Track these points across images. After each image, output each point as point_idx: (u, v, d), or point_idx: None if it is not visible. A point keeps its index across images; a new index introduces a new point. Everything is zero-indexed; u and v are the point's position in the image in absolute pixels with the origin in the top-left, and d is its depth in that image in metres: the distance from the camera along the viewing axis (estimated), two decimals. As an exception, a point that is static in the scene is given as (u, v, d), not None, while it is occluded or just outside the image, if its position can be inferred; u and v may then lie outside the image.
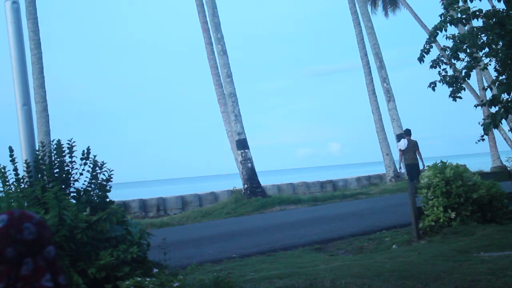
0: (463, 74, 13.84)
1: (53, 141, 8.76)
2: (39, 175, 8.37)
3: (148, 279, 7.55)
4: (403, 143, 24.43)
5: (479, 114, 38.72)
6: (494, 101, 12.81)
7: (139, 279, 7.47)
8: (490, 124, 12.71)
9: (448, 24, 13.58)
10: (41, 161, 8.46)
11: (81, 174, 8.65)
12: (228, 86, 29.21)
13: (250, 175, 28.56)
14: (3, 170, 8.16)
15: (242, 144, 28.83)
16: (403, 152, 24.33)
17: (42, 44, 25.59)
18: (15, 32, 8.81)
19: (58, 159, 8.53)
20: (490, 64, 14.49)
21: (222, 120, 30.97)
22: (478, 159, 61.37)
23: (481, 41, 13.27)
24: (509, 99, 12.80)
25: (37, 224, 2.58)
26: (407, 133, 24.79)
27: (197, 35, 32.19)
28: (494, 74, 14.62)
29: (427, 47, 14.09)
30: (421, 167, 23.38)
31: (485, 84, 32.77)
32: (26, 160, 8.43)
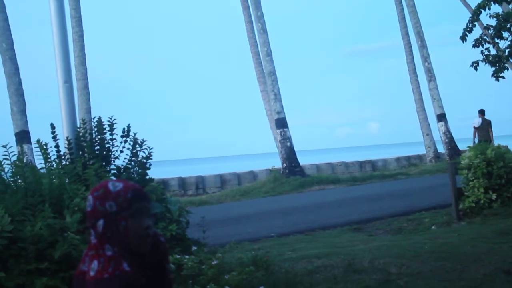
0: (506, 53, 13.65)
1: (94, 118, 8.84)
2: (80, 152, 8.45)
3: (187, 256, 7.60)
4: (477, 121, 26.32)
5: (522, 95, 38.23)
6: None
7: (178, 256, 7.52)
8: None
9: (492, 2, 13.38)
10: (82, 138, 8.54)
11: (121, 151, 8.72)
12: (268, 64, 29.14)
13: (289, 154, 28.54)
14: (45, 147, 8.25)
15: (281, 123, 28.79)
16: (476, 129, 26.29)
17: (83, 22, 25.75)
18: (57, 10, 8.87)
19: (99, 137, 8.61)
20: (534, 43, 14.25)
21: (261, 99, 30.92)
22: (520, 140, 60.51)
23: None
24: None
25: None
26: (482, 112, 26.53)
27: (237, 13, 32.02)
28: (538, 53, 14.37)
29: (470, 26, 13.92)
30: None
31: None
32: (67, 137, 8.52)
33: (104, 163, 8.50)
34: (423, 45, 36.13)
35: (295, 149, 29.18)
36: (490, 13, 13.71)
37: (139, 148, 8.68)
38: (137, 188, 2.75)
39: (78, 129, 8.65)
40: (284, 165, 28.39)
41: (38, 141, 8.35)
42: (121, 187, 2.72)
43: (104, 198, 2.69)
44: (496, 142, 14.58)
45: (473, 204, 13.42)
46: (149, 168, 8.73)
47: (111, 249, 2.67)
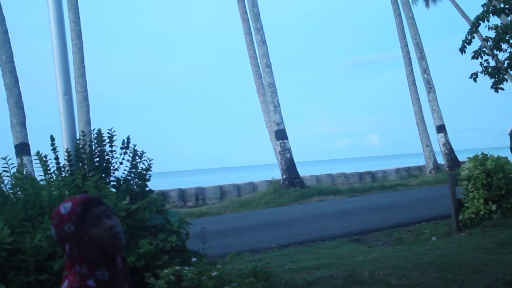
0: (505, 65, 13.67)
1: (93, 130, 8.85)
2: (80, 164, 8.46)
3: (186, 268, 7.59)
4: (510, 128, 26.84)
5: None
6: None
7: (178, 268, 7.52)
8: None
9: (491, 14, 13.42)
10: (81, 150, 8.54)
11: (121, 163, 8.73)
12: (267, 76, 29.18)
13: (289, 166, 28.54)
14: (44, 159, 8.25)
15: (281, 135, 28.81)
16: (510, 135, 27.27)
17: (83, 34, 25.79)
18: (57, 22, 8.90)
19: (99, 148, 8.62)
20: (533, 55, 14.26)
21: (261, 111, 30.95)
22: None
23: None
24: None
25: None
26: None
27: (236, 25, 32.08)
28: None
29: (469, 38, 13.95)
30: None
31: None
32: (67, 149, 8.53)
33: (103, 175, 8.51)
34: (422, 57, 36.24)
35: (295, 160, 29.20)
36: (489, 25, 13.74)
37: (138, 160, 8.69)
38: (85, 199, 2.75)
39: (78, 141, 8.66)
40: (284, 176, 28.39)
41: (37, 153, 8.36)
42: (70, 206, 2.72)
43: (61, 224, 2.70)
44: (496, 153, 14.55)
45: (473, 215, 13.42)
46: (148, 180, 8.73)
47: (79, 268, 2.72)
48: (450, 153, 35.12)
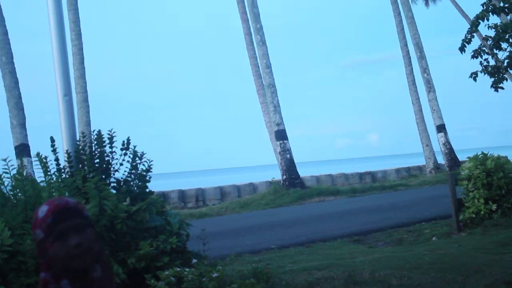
0: (505, 64, 13.66)
1: (93, 131, 8.83)
2: (80, 165, 8.44)
3: (187, 269, 7.58)
4: None
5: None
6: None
7: (178, 269, 7.51)
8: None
9: (490, 13, 13.41)
10: (81, 151, 8.53)
11: (121, 164, 8.72)
12: (267, 76, 29.16)
13: (289, 166, 28.53)
14: (44, 160, 8.24)
15: (281, 135, 28.80)
16: None
17: (82, 35, 25.77)
18: (56, 23, 8.88)
19: (99, 150, 8.60)
20: (533, 54, 14.25)
21: (261, 111, 30.94)
22: (520, 150, 60.43)
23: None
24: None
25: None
26: None
27: (236, 25, 32.12)
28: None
29: (469, 37, 13.95)
30: None
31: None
32: (67, 150, 8.51)
33: (104, 176, 8.50)
34: (422, 56, 36.24)
35: (295, 160, 29.19)
36: (488, 24, 13.74)
37: (139, 161, 8.68)
38: (58, 210, 2.61)
39: (78, 142, 8.65)
40: (284, 177, 28.37)
41: (38, 154, 8.35)
42: (45, 211, 2.62)
43: (34, 226, 2.63)
44: (496, 153, 14.56)
45: (474, 215, 13.41)
46: (149, 181, 8.72)
47: (44, 274, 2.67)
48: (450, 153, 35.14)
